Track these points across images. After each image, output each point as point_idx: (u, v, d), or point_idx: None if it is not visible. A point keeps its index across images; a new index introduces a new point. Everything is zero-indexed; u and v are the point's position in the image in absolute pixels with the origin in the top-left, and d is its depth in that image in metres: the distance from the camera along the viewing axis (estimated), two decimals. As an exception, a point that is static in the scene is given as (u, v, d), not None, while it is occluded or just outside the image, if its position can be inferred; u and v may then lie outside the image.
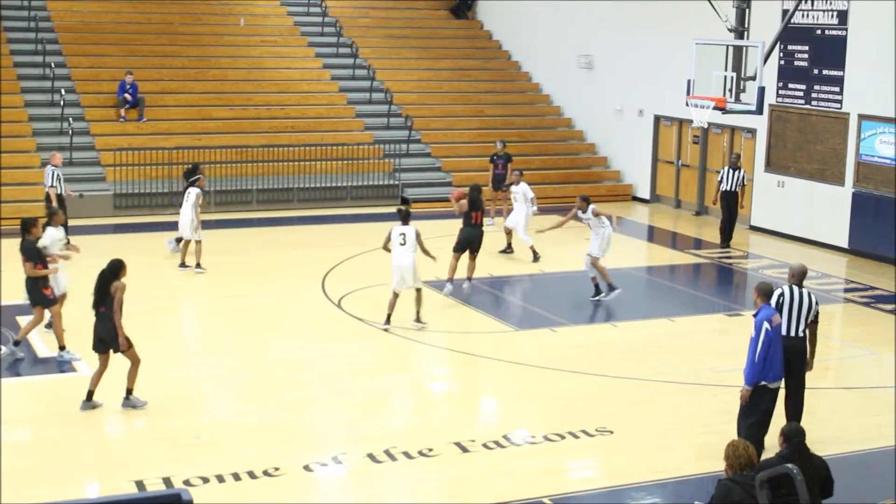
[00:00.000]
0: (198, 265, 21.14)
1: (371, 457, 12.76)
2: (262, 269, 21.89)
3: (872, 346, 17.96)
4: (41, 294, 15.90)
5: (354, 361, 16.33)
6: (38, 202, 25.68)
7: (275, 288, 20.15)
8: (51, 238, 16.54)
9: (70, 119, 27.75)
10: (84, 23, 32.35)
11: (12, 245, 22.34)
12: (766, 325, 12.21)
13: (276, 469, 12.35)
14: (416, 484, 12.22)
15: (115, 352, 14.04)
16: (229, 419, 14.11)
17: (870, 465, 13.09)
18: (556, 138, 33.06)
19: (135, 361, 14.14)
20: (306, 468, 12.47)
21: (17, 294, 18.34)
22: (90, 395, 14.18)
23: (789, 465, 9.38)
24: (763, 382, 12.31)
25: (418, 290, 17.94)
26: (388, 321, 17.84)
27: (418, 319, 17.96)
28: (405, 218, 18.09)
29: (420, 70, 34.25)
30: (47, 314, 16.39)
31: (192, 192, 21.22)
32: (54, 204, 22.84)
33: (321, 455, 12.86)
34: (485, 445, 13.17)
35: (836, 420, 14.58)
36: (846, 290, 21.71)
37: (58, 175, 22.95)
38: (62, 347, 16.02)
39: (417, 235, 17.88)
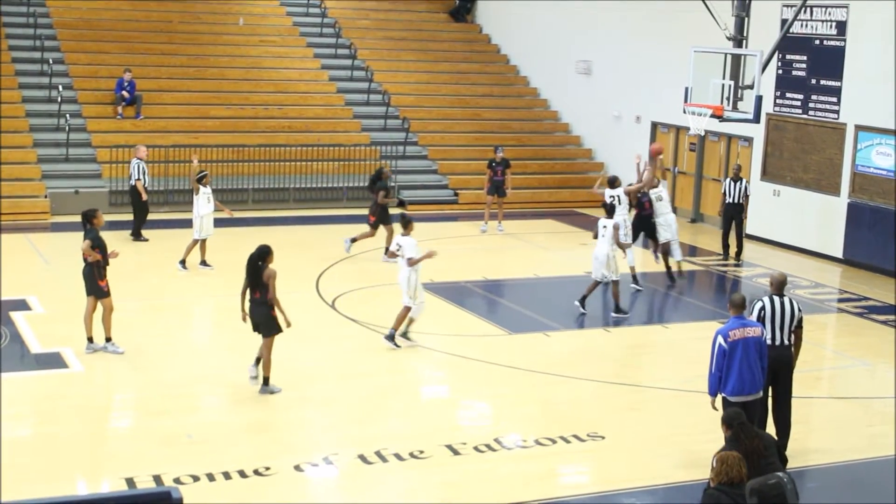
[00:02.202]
0: (182, 262, 21.29)
1: (362, 458, 12.75)
2: (257, 268, 21.87)
3: (865, 356, 17.97)
4: (96, 285, 15.87)
5: (347, 362, 16.33)
6: (34, 198, 25.75)
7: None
8: (410, 245, 16.80)
9: (67, 115, 27.74)
10: (83, 20, 32.34)
11: (10, 241, 22.51)
12: (720, 339, 12.15)
13: (267, 469, 12.35)
14: (406, 486, 12.22)
15: (264, 337, 14.61)
16: (221, 418, 14.11)
17: (862, 476, 13.11)
18: (553, 143, 33.07)
19: (268, 348, 14.65)
20: (297, 468, 12.46)
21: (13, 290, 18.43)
22: (266, 380, 14.74)
23: (779, 474, 9.40)
24: (723, 395, 12.29)
25: (615, 283, 19.23)
26: (582, 304, 19.24)
27: (618, 309, 19.17)
28: (610, 211, 19.38)
29: (418, 72, 34.28)
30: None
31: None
32: (144, 197, 23.08)
33: (312, 455, 12.86)
34: (476, 449, 13.18)
35: (829, 430, 14.59)
36: (840, 301, 21.74)
37: (143, 168, 23.29)
38: (108, 339, 16.10)
39: (616, 229, 19.13)
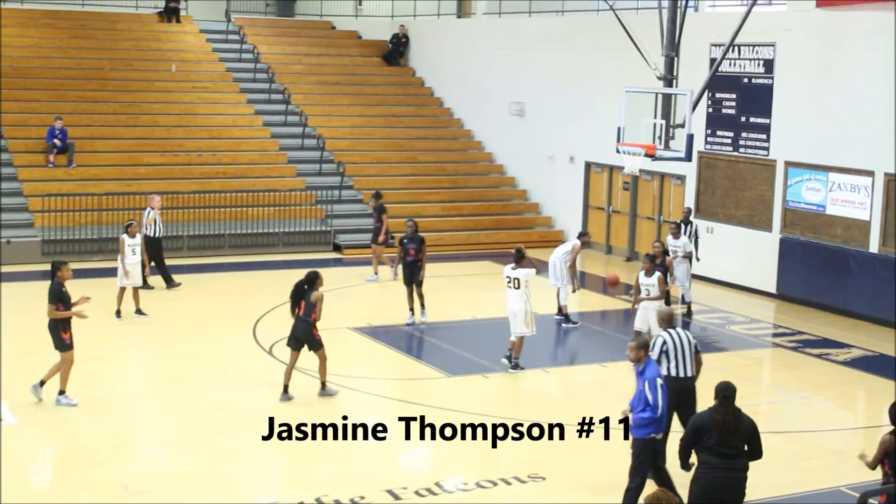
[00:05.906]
0: (117, 312, 21.09)
1: (302, 505, 12.66)
2: (193, 315, 21.72)
3: (801, 390, 18.14)
4: (59, 338, 15.73)
5: (285, 408, 16.20)
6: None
7: (206, 335, 19.97)
8: (527, 273, 17.93)
9: (-2, 164, 27.48)
10: (13, 67, 32.05)
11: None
12: (660, 381, 12.12)
13: (206, 519, 12.21)
14: (347, 532, 12.13)
15: (310, 350, 16.28)
16: (159, 468, 13.93)
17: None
18: (488, 185, 33.22)
19: (323, 359, 16.36)
20: (236, 517, 12.33)
21: None
22: (286, 388, 16.35)
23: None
24: (654, 435, 12.18)
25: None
26: None
27: None
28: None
29: (352, 116, 34.34)
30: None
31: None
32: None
33: (252, 502, 12.73)
34: (417, 493, 13.12)
35: (766, 465, 14.62)
36: (774, 335, 21.94)
37: (155, 218, 23.25)
38: (62, 392, 15.88)
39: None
